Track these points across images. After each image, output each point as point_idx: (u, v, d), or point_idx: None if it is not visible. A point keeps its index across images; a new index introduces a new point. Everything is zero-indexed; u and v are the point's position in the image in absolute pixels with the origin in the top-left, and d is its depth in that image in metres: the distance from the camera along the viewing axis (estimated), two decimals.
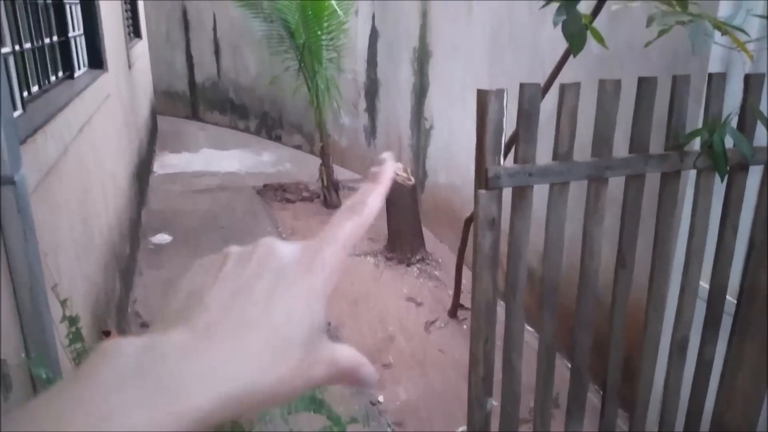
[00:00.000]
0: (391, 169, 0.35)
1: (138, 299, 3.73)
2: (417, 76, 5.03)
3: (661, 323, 1.92)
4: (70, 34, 3.11)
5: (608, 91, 1.57)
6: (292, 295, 0.29)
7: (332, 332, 3.39)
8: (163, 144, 7.89)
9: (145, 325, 3.33)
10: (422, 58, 4.90)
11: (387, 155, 0.36)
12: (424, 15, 4.80)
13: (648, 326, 1.88)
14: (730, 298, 1.98)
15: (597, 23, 1.87)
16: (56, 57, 2.90)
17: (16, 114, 1.97)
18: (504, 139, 1.57)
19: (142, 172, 5.52)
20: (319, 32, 5.04)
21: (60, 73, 2.91)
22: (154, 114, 8.06)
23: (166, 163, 7.04)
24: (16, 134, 1.60)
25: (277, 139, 8.25)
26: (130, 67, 5.18)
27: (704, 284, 1.96)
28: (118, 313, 3.12)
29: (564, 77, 2.12)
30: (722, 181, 1.64)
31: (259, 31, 5.36)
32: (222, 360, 0.26)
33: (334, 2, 4.88)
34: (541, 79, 2.24)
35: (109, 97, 3.64)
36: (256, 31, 5.43)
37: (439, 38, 4.61)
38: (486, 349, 1.69)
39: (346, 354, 0.31)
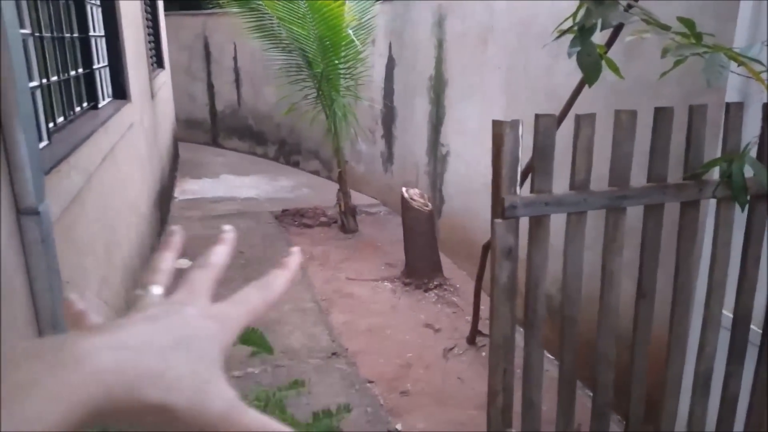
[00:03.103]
0: (297, 261, 0.41)
1: None
2: (433, 104, 5.07)
3: (684, 355, 1.88)
4: (95, 66, 3.21)
5: (624, 122, 1.57)
6: (193, 333, 0.32)
7: (349, 359, 3.37)
8: (184, 170, 8.01)
9: None
10: (438, 86, 4.95)
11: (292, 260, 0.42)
12: (440, 45, 4.86)
13: (670, 358, 1.84)
14: (755, 328, 1.94)
15: (613, 55, 1.88)
16: (81, 88, 2.99)
17: (41, 145, 2.03)
18: (520, 168, 1.58)
19: (164, 198, 5.60)
20: (336, 61, 5.12)
21: (84, 104, 2.99)
22: (175, 141, 8.21)
23: (186, 189, 7.14)
24: (40, 165, 1.64)
25: (295, 164, 8.33)
26: (153, 96, 5.30)
27: (728, 313, 1.93)
28: None
29: (580, 107, 2.13)
30: (742, 210, 1.62)
31: (278, 60, 5.47)
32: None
33: (351, 32, 4.97)
34: (556, 109, 2.25)
35: (132, 127, 3.72)
36: (274, 60, 5.54)
37: (455, 67, 4.65)
38: (505, 382, 1.67)
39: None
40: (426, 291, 4.30)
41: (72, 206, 2.03)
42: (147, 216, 4.13)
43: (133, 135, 3.78)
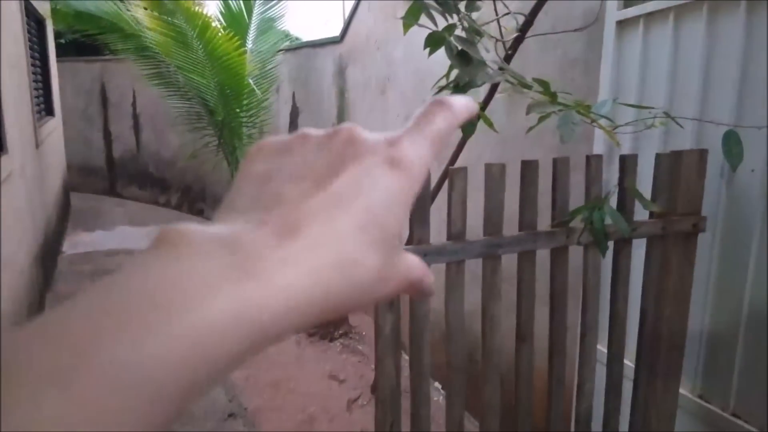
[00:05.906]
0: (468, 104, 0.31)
1: None
2: None
3: (563, 392, 1.95)
4: None
5: (494, 174, 1.65)
6: (376, 194, 0.26)
7: (248, 419, 3.22)
8: (76, 222, 7.54)
9: None
10: None
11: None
12: (341, 95, 4.96)
13: (552, 399, 1.90)
14: (629, 363, 2.05)
15: (497, 107, 1.98)
16: None
17: None
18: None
19: (49, 252, 5.23)
20: (237, 110, 5.08)
21: None
22: (66, 191, 7.75)
23: (77, 242, 6.71)
24: None
25: (200, 213, 8.09)
26: (38, 145, 4.99)
27: (603, 348, 2.03)
28: None
29: (472, 154, 2.23)
30: (603, 256, 1.73)
31: (177, 108, 5.35)
32: (307, 252, 0.23)
33: (252, 81, 4.97)
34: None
35: (9, 178, 3.47)
36: (175, 108, 5.41)
37: (358, 115, 4.75)
38: None
39: (417, 265, 0.29)
40: (331, 341, 4.25)
41: None
42: (25, 272, 3.82)
43: (9, 187, 3.53)
